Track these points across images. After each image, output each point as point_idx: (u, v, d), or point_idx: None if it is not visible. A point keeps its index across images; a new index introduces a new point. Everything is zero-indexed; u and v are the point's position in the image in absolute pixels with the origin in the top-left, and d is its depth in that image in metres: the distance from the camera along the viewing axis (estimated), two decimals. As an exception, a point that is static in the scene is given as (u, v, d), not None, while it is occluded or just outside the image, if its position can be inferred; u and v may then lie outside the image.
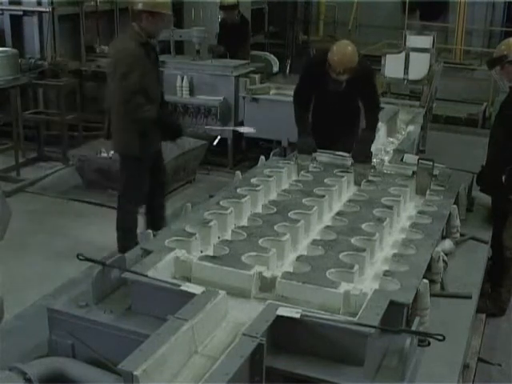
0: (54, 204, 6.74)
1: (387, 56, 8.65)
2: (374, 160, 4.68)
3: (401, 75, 8.62)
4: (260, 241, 3.13)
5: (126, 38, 4.88)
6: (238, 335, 2.34)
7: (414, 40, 8.64)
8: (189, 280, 2.82)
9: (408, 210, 3.95)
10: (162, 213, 5.31)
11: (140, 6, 4.73)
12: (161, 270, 2.78)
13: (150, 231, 3.29)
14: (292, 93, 5.14)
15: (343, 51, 4.52)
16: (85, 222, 6.26)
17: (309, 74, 4.98)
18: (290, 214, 3.49)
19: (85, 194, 6.90)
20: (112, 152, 6.98)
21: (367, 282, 2.92)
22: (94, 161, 6.94)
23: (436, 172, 4.35)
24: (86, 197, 6.81)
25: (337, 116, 4.91)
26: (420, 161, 4.32)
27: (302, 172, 4.36)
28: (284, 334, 2.46)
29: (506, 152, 4.29)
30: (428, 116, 8.30)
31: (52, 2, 8.25)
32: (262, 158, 4.59)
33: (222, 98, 7.76)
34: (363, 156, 4.54)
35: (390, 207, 3.69)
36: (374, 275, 3.00)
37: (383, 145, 5.50)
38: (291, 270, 2.90)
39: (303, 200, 3.73)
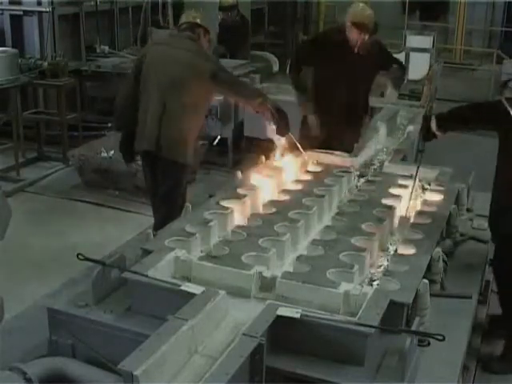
0: (53, 204, 6.74)
1: (387, 56, 8.63)
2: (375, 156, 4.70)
3: (401, 75, 8.60)
4: (260, 241, 3.13)
5: (202, 48, 4.64)
6: (237, 335, 2.34)
7: (413, 40, 8.67)
8: (189, 280, 2.82)
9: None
10: None
11: (199, 21, 4.65)
12: (161, 269, 2.78)
13: (149, 231, 3.29)
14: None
15: (362, 6, 4.98)
16: (85, 221, 6.26)
17: (315, 41, 5.35)
18: (290, 214, 3.49)
19: (85, 193, 6.90)
20: (112, 152, 6.99)
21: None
22: (93, 161, 6.94)
23: (436, 172, 4.35)
24: (86, 197, 6.80)
25: (343, 106, 4.93)
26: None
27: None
28: (284, 334, 2.46)
29: None
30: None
31: (52, 2, 8.24)
32: (262, 157, 4.58)
33: (222, 97, 7.74)
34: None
35: (390, 207, 3.69)
36: (373, 275, 3.00)
37: (383, 144, 5.49)
38: (291, 270, 2.89)
39: (303, 200, 3.73)
